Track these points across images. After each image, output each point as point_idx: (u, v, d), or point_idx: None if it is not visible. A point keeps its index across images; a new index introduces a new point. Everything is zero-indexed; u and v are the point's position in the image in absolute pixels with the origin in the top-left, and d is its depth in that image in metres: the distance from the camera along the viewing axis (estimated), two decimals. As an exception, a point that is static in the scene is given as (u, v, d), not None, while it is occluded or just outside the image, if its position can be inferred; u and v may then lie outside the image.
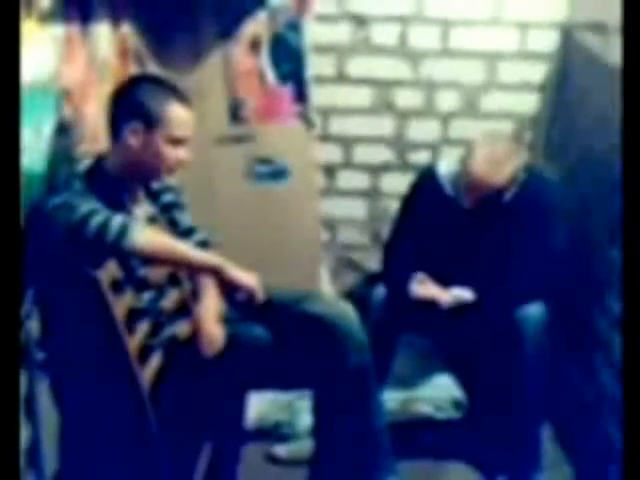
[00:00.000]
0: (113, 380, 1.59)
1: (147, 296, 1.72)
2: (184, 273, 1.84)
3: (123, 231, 1.49)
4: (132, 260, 1.63)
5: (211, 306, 1.83)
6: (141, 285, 1.69)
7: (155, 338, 1.73)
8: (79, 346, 1.59)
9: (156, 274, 1.73)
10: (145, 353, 1.67)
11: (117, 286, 1.59)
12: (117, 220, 1.50)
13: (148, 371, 1.67)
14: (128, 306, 1.62)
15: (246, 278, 1.64)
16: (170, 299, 1.79)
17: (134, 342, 1.61)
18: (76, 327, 1.57)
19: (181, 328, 1.81)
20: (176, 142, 1.64)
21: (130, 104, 1.63)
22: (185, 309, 1.84)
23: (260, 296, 1.67)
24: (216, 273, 1.62)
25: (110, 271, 1.55)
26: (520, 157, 2.07)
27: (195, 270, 1.72)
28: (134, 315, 1.66)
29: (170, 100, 1.63)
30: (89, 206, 1.51)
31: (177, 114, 1.63)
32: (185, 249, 1.62)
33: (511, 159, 2.02)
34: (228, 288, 1.66)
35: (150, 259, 1.61)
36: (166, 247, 1.57)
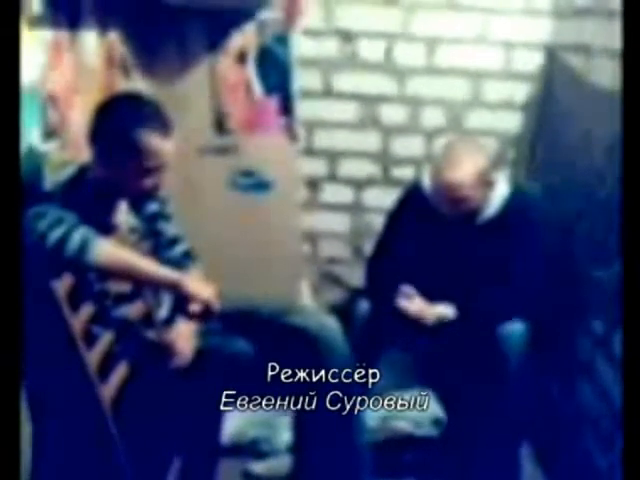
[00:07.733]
0: (74, 392, 1.57)
1: (111, 306, 1.68)
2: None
3: (83, 246, 1.48)
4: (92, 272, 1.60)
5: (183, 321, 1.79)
6: (104, 294, 1.66)
7: (121, 348, 1.69)
8: (45, 357, 1.56)
9: (119, 285, 1.70)
10: (109, 364, 1.64)
11: (77, 296, 1.56)
12: (77, 235, 1.48)
13: (113, 383, 1.64)
14: (88, 317, 1.59)
15: (203, 290, 1.65)
16: (136, 308, 1.76)
17: (96, 353, 1.59)
18: (38, 339, 1.52)
19: (152, 339, 1.77)
20: (153, 170, 1.61)
21: (109, 129, 1.59)
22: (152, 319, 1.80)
23: (216, 307, 1.67)
24: (175, 288, 1.62)
25: (67, 282, 1.52)
26: (483, 157, 2.06)
27: (155, 285, 1.70)
28: (96, 325, 1.63)
29: (149, 129, 1.57)
30: (53, 217, 1.49)
31: (154, 145, 1.58)
32: (144, 264, 1.60)
33: (471, 157, 2.01)
34: (187, 302, 1.65)
35: (109, 274, 1.60)
36: (125, 262, 1.56)
